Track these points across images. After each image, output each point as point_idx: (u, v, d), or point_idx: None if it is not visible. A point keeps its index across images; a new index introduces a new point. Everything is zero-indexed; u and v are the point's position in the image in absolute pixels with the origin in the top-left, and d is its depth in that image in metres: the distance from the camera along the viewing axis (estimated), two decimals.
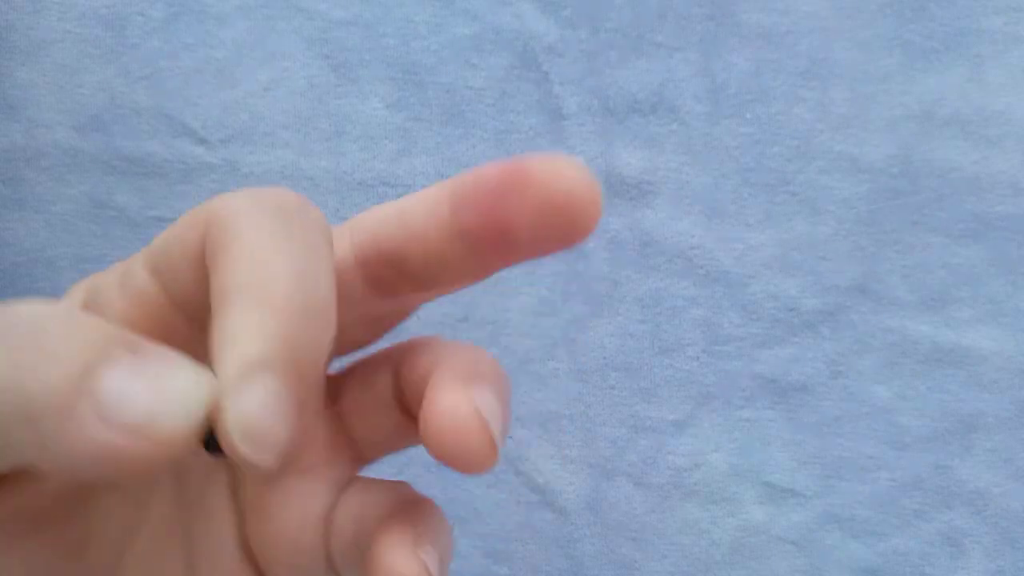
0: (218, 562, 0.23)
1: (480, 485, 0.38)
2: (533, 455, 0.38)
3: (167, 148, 0.37)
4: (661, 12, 0.37)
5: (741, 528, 0.38)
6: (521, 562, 0.38)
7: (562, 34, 0.37)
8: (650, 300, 0.38)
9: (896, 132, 0.37)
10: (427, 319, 0.38)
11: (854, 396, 0.38)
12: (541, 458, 0.38)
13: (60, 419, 0.16)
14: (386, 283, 0.21)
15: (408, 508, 0.22)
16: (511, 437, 0.38)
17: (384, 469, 0.24)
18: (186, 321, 0.20)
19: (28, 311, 0.17)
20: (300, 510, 0.22)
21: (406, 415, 0.23)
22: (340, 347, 0.23)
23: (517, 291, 0.38)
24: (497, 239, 0.19)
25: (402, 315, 0.23)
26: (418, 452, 0.22)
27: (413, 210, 0.20)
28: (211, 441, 0.17)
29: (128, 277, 0.21)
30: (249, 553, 0.23)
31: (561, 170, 0.20)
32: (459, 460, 0.19)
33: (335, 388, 0.24)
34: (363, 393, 0.23)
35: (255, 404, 0.17)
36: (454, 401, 0.19)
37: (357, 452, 0.23)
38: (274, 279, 0.18)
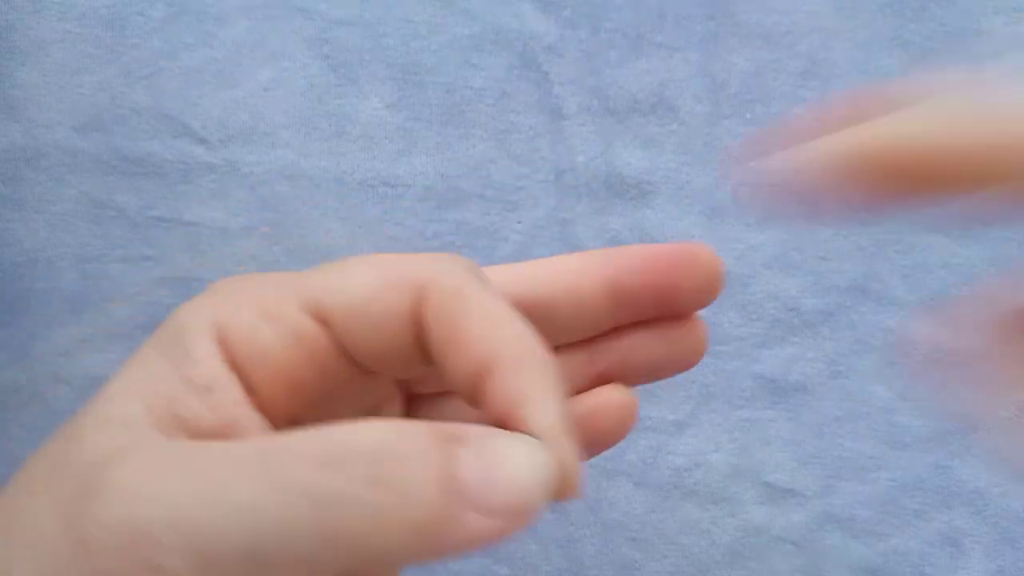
0: None
1: None
2: None
3: (167, 148, 0.37)
4: (661, 12, 0.37)
5: (741, 528, 0.38)
6: (521, 562, 0.38)
7: (562, 34, 0.37)
8: None
9: None
10: None
11: (854, 396, 0.38)
12: None
13: (439, 532, 0.18)
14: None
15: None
16: None
17: None
18: (348, 365, 0.22)
19: (369, 441, 0.18)
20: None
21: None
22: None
23: None
24: (653, 296, 0.25)
25: None
26: None
27: (564, 268, 0.25)
28: None
29: (282, 322, 0.22)
30: None
31: (709, 254, 0.25)
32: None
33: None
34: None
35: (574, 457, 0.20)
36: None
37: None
38: (533, 346, 0.21)
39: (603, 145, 0.38)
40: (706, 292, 0.25)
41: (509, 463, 0.19)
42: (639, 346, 0.26)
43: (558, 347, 0.25)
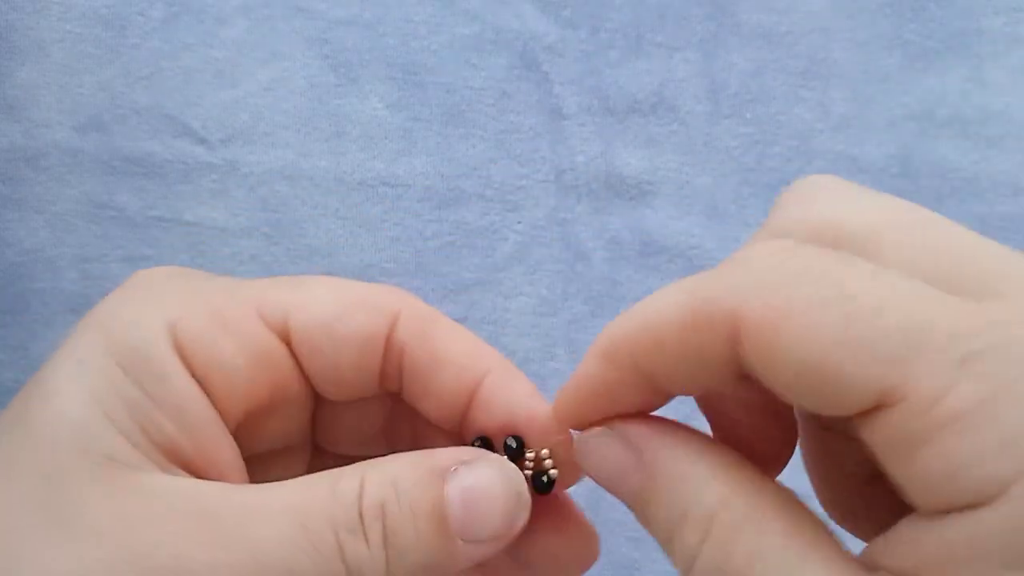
0: None
1: None
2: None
3: (167, 148, 0.37)
4: (661, 12, 0.37)
5: None
6: None
7: (562, 34, 0.37)
8: None
9: (896, 132, 0.37)
10: None
11: None
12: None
13: (438, 567, 0.20)
14: None
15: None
16: None
17: None
18: (298, 382, 0.23)
19: (376, 502, 0.20)
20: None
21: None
22: None
23: (517, 291, 0.38)
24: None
25: None
26: None
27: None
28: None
29: (244, 336, 0.22)
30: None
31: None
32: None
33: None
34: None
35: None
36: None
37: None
38: (500, 357, 0.23)
39: (603, 145, 0.38)
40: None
41: (488, 490, 0.21)
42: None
43: None
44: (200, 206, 0.37)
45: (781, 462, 0.22)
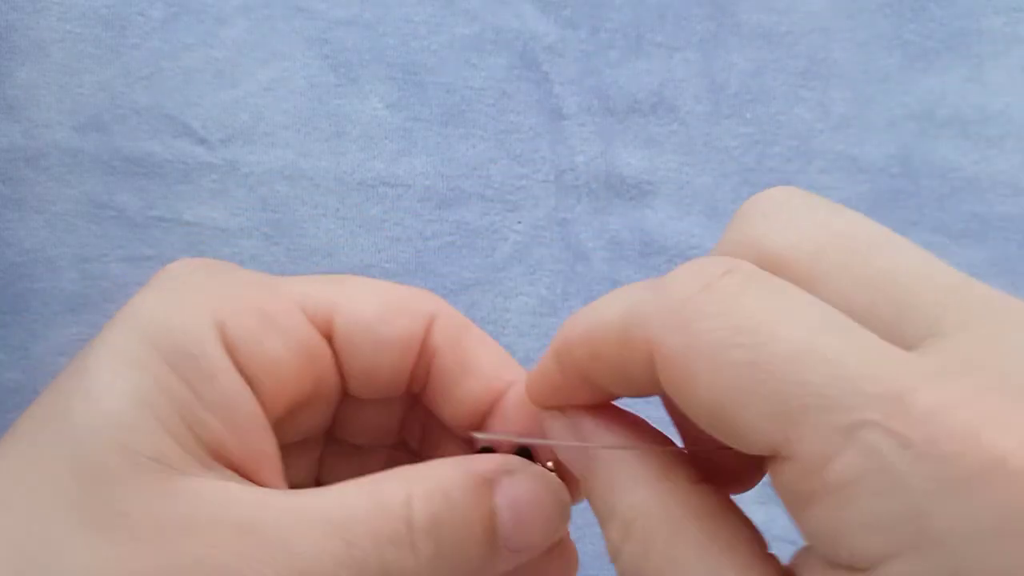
0: None
1: None
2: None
3: (167, 148, 0.37)
4: (661, 12, 0.37)
5: None
6: None
7: (562, 34, 0.37)
8: None
9: (896, 132, 0.37)
10: None
11: None
12: None
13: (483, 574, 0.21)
14: None
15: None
16: None
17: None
18: (336, 382, 0.23)
19: (427, 516, 0.20)
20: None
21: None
22: None
23: (517, 291, 0.38)
24: None
25: None
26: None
27: None
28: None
29: (291, 333, 0.22)
30: None
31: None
32: None
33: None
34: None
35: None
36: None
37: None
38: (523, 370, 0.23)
39: (603, 145, 0.38)
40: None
41: (536, 504, 0.21)
42: None
43: None
44: (200, 206, 0.37)
45: (750, 476, 0.22)
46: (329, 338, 0.23)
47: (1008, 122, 0.37)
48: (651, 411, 0.21)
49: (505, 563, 0.21)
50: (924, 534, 0.14)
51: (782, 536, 0.38)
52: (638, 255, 0.38)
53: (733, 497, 0.20)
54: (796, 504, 0.16)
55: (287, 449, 0.23)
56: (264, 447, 0.21)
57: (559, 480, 0.22)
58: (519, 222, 0.38)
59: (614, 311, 0.18)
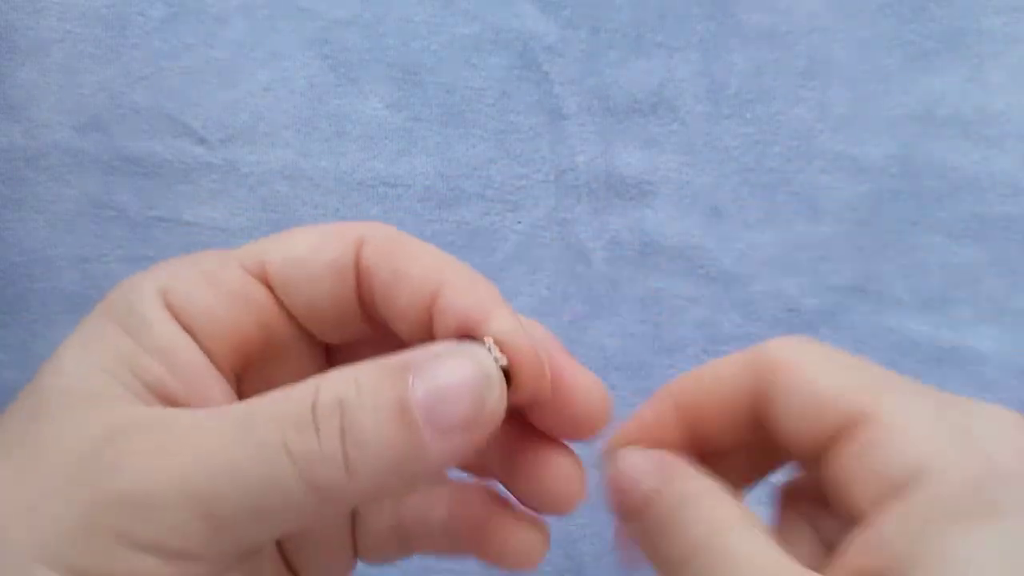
0: None
1: None
2: None
3: (167, 148, 0.37)
4: (661, 12, 0.37)
5: None
6: None
7: (562, 34, 0.37)
8: (650, 300, 0.38)
9: (896, 132, 0.37)
10: None
11: None
12: None
13: (408, 465, 0.19)
14: None
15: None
16: None
17: None
18: (288, 324, 0.23)
19: (331, 398, 0.19)
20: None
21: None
22: None
23: (517, 291, 0.38)
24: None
25: None
26: None
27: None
28: None
29: (224, 284, 0.22)
30: None
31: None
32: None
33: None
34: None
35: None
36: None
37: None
38: (477, 274, 0.22)
39: (603, 145, 0.38)
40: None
41: (455, 375, 0.19)
42: None
43: None
44: (200, 206, 0.37)
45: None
46: (266, 282, 0.23)
47: (1008, 122, 0.37)
48: None
49: (437, 449, 0.19)
50: None
51: None
52: (638, 255, 0.38)
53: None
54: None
55: None
56: (208, 387, 0.22)
57: (484, 351, 0.20)
58: (519, 222, 0.38)
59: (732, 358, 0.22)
